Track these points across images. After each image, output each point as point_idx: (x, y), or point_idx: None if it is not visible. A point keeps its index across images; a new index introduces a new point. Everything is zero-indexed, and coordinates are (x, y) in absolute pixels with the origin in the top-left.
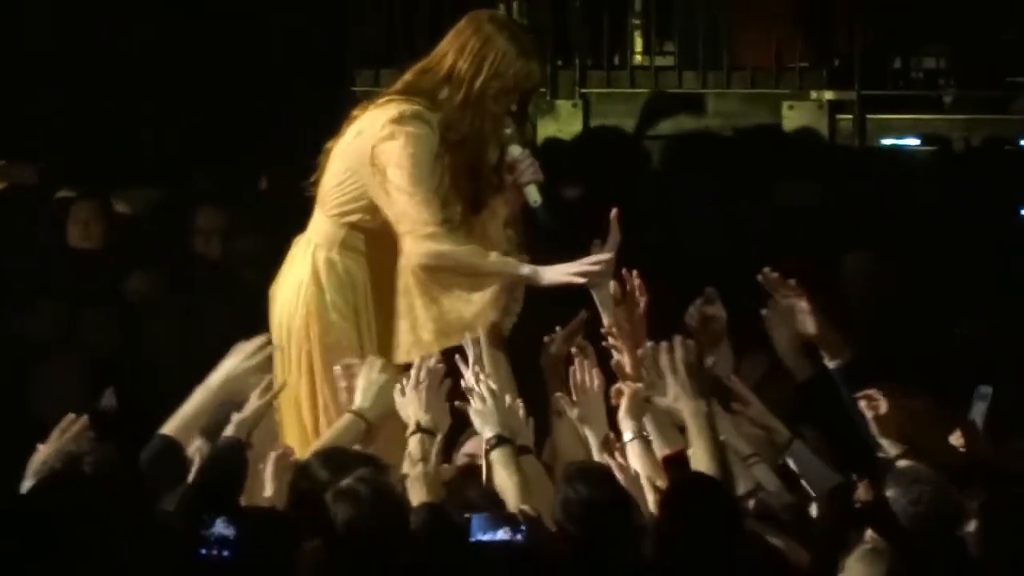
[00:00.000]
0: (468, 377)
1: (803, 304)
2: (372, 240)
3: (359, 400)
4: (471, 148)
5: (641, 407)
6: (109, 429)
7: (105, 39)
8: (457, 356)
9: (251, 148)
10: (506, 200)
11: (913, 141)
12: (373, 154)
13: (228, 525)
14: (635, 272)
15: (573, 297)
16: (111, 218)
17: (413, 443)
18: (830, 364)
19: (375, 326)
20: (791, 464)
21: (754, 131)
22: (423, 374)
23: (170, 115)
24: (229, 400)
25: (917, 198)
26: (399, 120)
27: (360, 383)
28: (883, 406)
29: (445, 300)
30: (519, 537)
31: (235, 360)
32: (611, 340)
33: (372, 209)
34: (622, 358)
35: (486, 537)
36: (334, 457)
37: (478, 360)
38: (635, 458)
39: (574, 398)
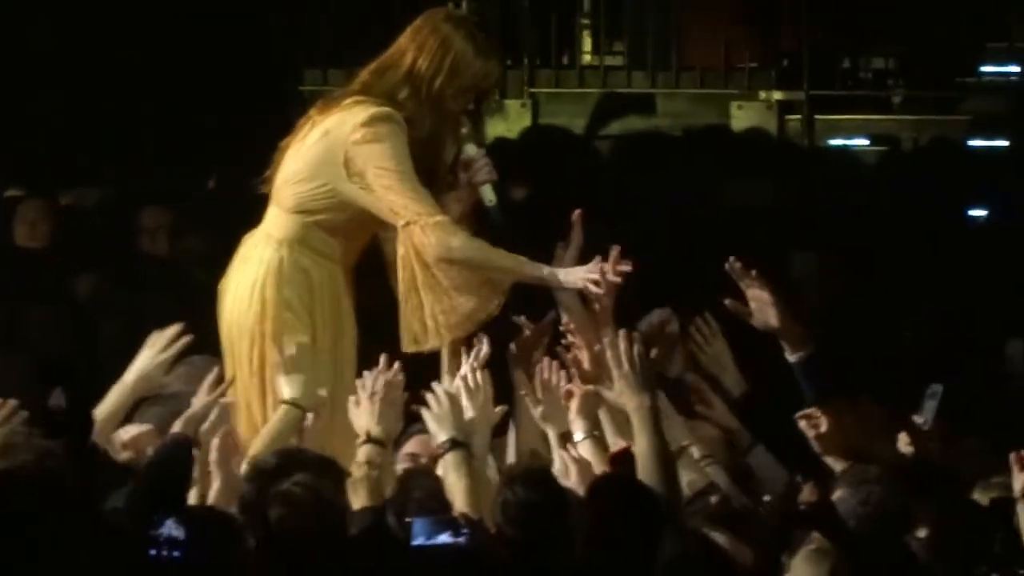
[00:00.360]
0: (465, 371)
1: (765, 295)
2: (332, 239)
3: (287, 391)
4: (429, 147)
5: (593, 406)
6: (57, 429)
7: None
8: (461, 349)
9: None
10: (459, 198)
11: (862, 141)
12: (347, 158)
13: (178, 526)
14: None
15: (540, 296)
16: (58, 217)
17: (362, 452)
18: (791, 357)
19: (330, 326)
20: (754, 467)
21: (703, 131)
22: (379, 384)
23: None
24: (145, 395)
25: (866, 198)
26: (370, 123)
27: (279, 376)
28: (823, 424)
29: (453, 292)
30: (461, 540)
31: (149, 354)
32: (569, 337)
33: (335, 208)
34: (580, 354)
35: (428, 541)
36: (290, 459)
37: (477, 357)
38: (587, 457)
39: (539, 396)
